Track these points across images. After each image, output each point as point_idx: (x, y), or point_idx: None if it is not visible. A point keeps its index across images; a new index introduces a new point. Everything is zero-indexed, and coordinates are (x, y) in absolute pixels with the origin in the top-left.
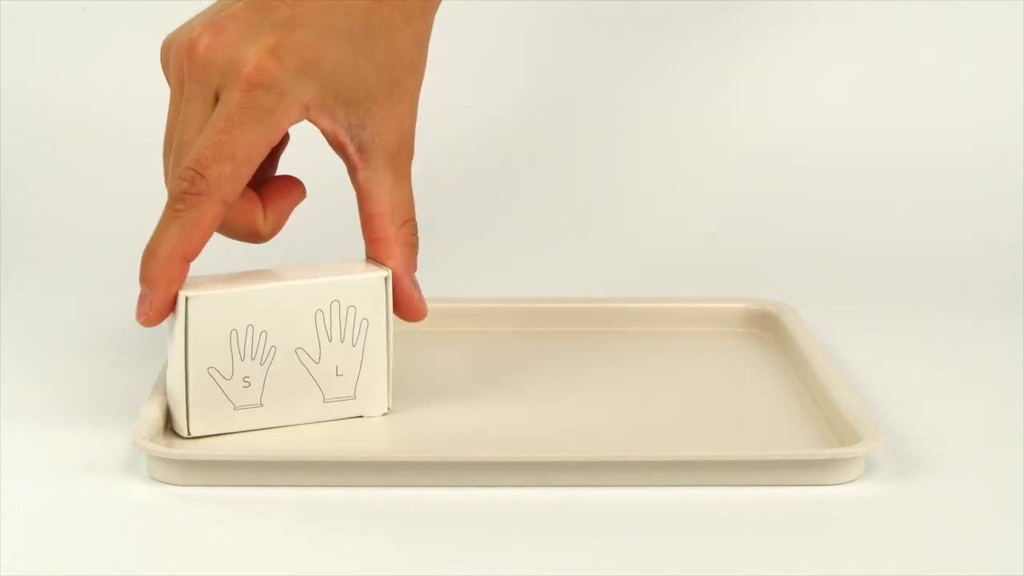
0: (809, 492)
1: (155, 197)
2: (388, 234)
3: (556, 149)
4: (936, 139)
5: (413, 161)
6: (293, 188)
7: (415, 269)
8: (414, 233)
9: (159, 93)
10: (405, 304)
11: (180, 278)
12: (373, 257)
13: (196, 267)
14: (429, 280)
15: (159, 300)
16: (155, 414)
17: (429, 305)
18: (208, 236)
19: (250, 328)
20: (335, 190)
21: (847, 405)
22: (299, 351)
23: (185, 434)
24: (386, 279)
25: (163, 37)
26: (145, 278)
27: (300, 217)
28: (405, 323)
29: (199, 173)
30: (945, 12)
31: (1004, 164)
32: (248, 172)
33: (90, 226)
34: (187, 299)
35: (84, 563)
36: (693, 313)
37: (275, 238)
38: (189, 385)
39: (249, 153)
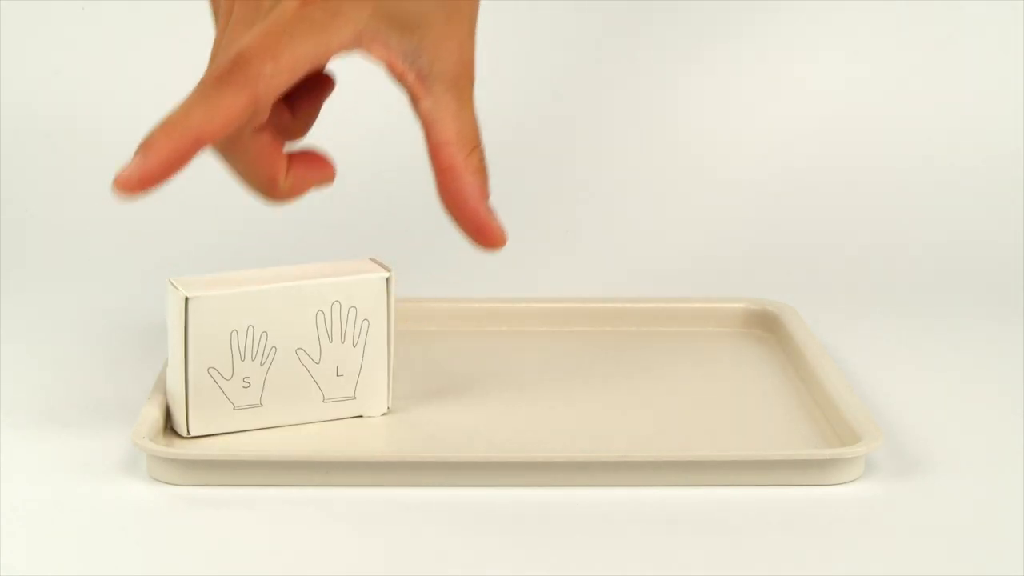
0: (809, 492)
1: (154, 197)
2: (457, 162)
3: (556, 149)
4: (936, 139)
5: (414, 159)
6: (323, 165)
7: (488, 196)
8: (483, 159)
9: (159, 93)
10: (484, 231)
11: (182, 160)
12: (443, 188)
13: (196, 267)
14: (430, 280)
15: (149, 166)
16: (155, 414)
17: (430, 305)
18: (228, 128)
19: (250, 328)
20: (336, 190)
21: (847, 405)
22: (299, 351)
23: (185, 434)
24: (387, 280)
25: (162, 37)
26: (146, 144)
27: (301, 217)
28: (405, 323)
29: (239, 64)
30: (944, 12)
31: (1004, 164)
32: (287, 82)
33: (90, 226)
34: (187, 299)
35: (84, 563)
36: (693, 313)
37: (276, 238)
38: (189, 385)
39: (294, 63)
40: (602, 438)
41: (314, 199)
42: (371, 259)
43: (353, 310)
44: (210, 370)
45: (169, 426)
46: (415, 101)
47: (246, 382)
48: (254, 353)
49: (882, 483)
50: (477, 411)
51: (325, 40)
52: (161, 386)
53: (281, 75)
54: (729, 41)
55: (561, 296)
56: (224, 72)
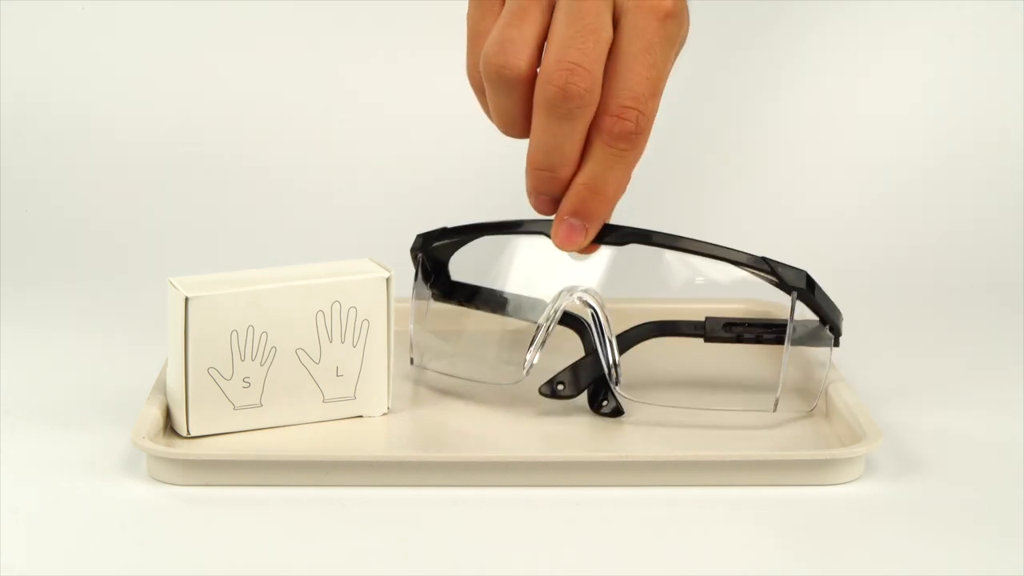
0: (809, 492)
1: (155, 196)
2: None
3: None
4: (936, 138)
5: (415, 159)
6: None
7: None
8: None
9: (159, 93)
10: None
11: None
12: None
13: (196, 267)
14: None
15: (595, 231)
16: (155, 414)
17: (430, 303)
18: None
19: (251, 329)
20: (336, 190)
21: (847, 405)
22: (299, 351)
23: (185, 434)
24: (387, 280)
25: (162, 38)
26: (589, 213)
27: (301, 217)
28: (405, 323)
29: (640, 112)
30: (942, 12)
31: (1005, 164)
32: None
33: (90, 226)
34: (187, 299)
35: (84, 563)
36: (693, 313)
37: (276, 238)
38: (189, 385)
39: (664, 86)
40: (602, 438)
41: (314, 199)
42: (371, 259)
43: (353, 310)
44: (210, 370)
45: (169, 426)
46: None
47: (246, 382)
48: (254, 353)
49: (882, 483)
50: (477, 411)
51: (678, 52)
52: (161, 386)
53: (658, 104)
54: (733, 43)
55: None
56: (632, 128)
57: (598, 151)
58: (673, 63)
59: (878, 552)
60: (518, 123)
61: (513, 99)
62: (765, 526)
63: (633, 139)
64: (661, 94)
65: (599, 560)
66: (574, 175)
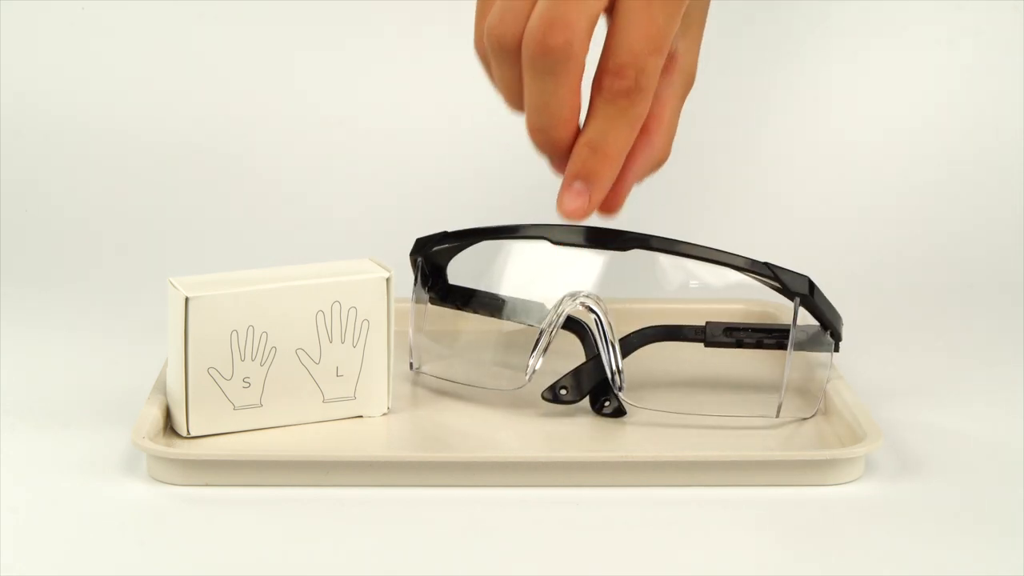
0: (809, 492)
1: (154, 196)
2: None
3: None
4: (936, 138)
5: (415, 159)
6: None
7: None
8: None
9: (159, 92)
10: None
11: (614, 182)
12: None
13: (196, 267)
14: None
15: (600, 195)
16: (155, 414)
17: (429, 305)
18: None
19: (251, 329)
20: (336, 190)
21: (847, 405)
22: (299, 351)
23: (185, 434)
24: (387, 280)
25: (162, 38)
26: (590, 173)
27: (301, 217)
28: (405, 323)
29: (639, 69)
30: (942, 12)
31: (1005, 164)
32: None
33: (90, 226)
34: (187, 299)
35: (84, 563)
36: (693, 313)
37: (276, 238)
38: (189, 385)
39: (668, 44)
40: (602, 438)
41: (315, 199)
42: (371, 259)
43: (353, 310)
44: (210, 370)
45: (169, 426)
46: None
47: (246, 382)
48: (254, 353)
49: (882, 483)
50: (477, 411)
51: (681, 7)
52: (161, 386)
53: (662, 62)
54: (736, 44)
55: None
56: (631, 85)
57: (598, 109)
58: (678, 22)
59: (878, 552)
60: (520, 94)
61: (515, 70)
62: (765, 526)
63: (632, 95)
64: (664, 52)
65: (599, 560)
66: (574, 138)
